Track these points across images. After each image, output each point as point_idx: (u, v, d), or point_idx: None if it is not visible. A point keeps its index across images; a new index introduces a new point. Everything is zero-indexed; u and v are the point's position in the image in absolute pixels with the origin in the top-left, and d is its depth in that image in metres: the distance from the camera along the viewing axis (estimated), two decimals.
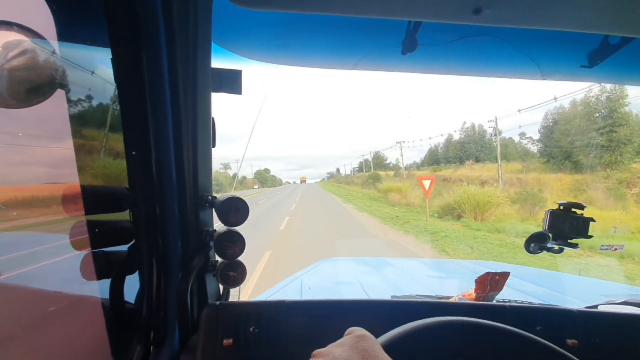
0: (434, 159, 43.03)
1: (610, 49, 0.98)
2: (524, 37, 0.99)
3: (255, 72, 1.03)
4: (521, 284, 1.51)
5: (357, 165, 62.79)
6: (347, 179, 55.86)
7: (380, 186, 23.55)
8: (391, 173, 39.27)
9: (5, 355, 0.68)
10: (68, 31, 0.69)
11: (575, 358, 0.52)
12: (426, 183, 10.76)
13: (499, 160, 20.01)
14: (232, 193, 0.82)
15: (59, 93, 0.67)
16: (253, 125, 1.10)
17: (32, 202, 0.80)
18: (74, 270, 0.75)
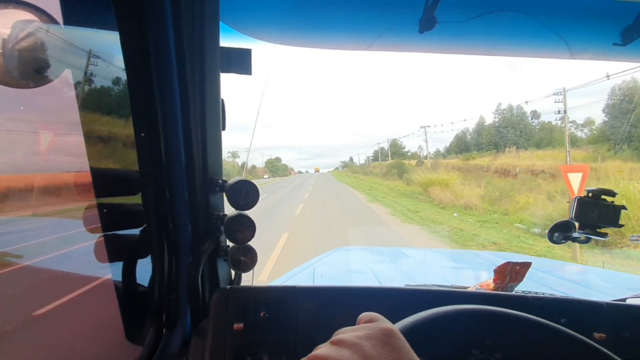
0: (462, 146, 38.97)
1: None
2: (551, 12, 0.91)
3: (265, 54, 1.00)
4: (542, 276, 1.45)
5: (372, 154, 60.44)
6: (363, 168, 52.14)
7: (416, 178, 18.39)
8: (412, 162, 36.19)
9: (25, 335, 0.70)
10: (75, 11, 0.68)
11: (606, 351, 0.49)
12: (575, 177, 5.00)
13: (567, 146, 15.33)
14: (240, 177, 0.80)
15: (67, 73, 0.66)
16: (258, 108, 1.08)
17: (46, 190, 0.81)
18: (89, 255, 0.76)
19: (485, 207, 11.16)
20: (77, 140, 0.65)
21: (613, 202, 0.85)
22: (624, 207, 0.85)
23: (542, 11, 0.91)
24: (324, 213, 11.35)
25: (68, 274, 0.84)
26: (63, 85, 0.64)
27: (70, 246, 0.83)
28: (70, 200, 0.81)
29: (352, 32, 1.00)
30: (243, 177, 0.95)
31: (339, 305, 0.77)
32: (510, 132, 32.92)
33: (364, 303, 0.77)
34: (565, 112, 17.48)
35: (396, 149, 48.56)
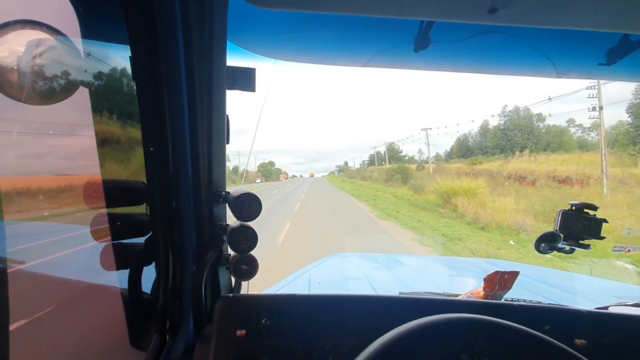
0: (463, 150, 36.67)
1: (630, 46, 0.95)
2: (539, 35, 0.97)
3: (265, 67, 1.04)
4: (530, 284, 1.50)
5: (368, 159, 58.58)
6: (360, 172, 49.33)
7: (432, 186, 15.25)
8: (412, 166, 33.91)
9: (29, 340, 0.72)
10: (88, 30, 0.71)
11: (583, 358, 0.53)
12: None
13: (602, 148, 13.67)
14: (244, 189, 0.84)
15: (81, 90, 0.69)
16: (258, 120, 1.12)
17: (57, 193, 0.83)
18: (94, 260, 0.78)
19: (541, 229, 7.24)
20: (90, 150, 0.68)
21: (595, 215, 0.90)
22: (605, 221, 0.90)
23: (530, 34, 0.96)
24: (321, 237, 7.70)
25: (72, 280, 0.87)
26: (78, 101, 0.67)
27: (76, 252, 0.85)
28: (80, 207, 0.84)
29: (350, 50, 1.05)
30: (242, 182, 0.98)
31: (336, 312, 0.81)
32: (518, 135, 31.14)
33: (360, 311, 0.81)
34: (601, 108, 15.35)
35: (393, 153, 46.87)
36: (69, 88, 0.68)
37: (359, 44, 1.01)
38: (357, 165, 64.72)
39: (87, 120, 0.68)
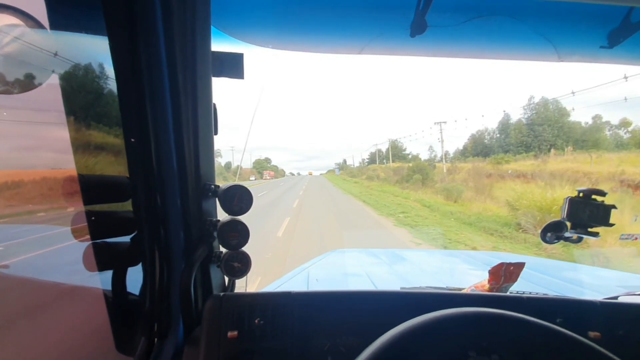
0: (479, 148, 32.47)
1: (632, 27, 0.92)
2: (539, 16, 0.93)
3: (257, 57, 1.00)
4: (535, 276, 1.46)
5: (368, 157, 55.48)
6: (363, 171, 43.47)
7: (513, 197, 9.98)
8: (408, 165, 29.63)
9: (8, 346, 0.68)
10: (63, 15, 0.67)
11: (602, 350, 0.49)
12: None
13: None
14: (234, 182, 0.79)
15: (54, 78, 0.65)
16: (253, 113, 1.07)
17: (34, 190, 0.78)
18: (77, 262, 0.74)
19: None
20: (64, 145, 0.63)
21: (603, 201, 0.86)
22: (614, 207, 0.86)
23: (530, 15, 0.92)
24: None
25: (52, 282, 0.82)
26: (49, 90, 0.62)
27: (57, 255, 0.81)
28: (57, 206, 0.79)
29: (344, 37, 1.00)
30: (236, 180, 0.94)
31: (334, 310, 0.77)
32: (547, 130, 26.71)
33: (360, 308, 0.77)
34: None
35: (396, 151, 42.66)
36: (39, 78, 0.63)
37: (353, 29, 0.97)
38: (357, 164, 62.79)
39: (59, 113, 0.63)
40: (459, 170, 22.73)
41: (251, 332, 0.73)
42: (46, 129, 0.68)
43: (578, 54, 1.11)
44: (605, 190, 0.85)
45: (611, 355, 0.51)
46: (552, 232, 0.93)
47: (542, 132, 26.85)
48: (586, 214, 0.85)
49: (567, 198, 0.87)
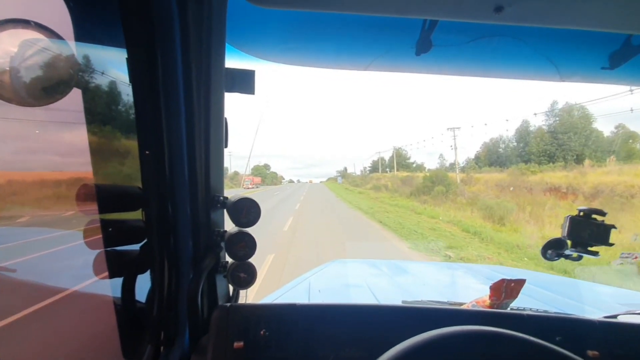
0: (493, 157, 29.60)
1: (633, 50, 0.94)
2: (542, 37, 0.96)
3: (265, 70, 1.02)
4: (536, 291, 1.47)
5: (370, 165, 51.82)
6: (366, 179, 40.43)
7: None
8: (421, 174, 26.70)
9: (19, 350, 0.69)
10: (84, 31, 0.70)
11: None
12: None
13: None
14: (242, 194, 0.81)
15: (75, 92, 0.67)
16: (258, 125, 1.10)
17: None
18: (87, 267, 0.76)
19: None
20: (79, 153, 0.66)
21: (603, 221, 0.88)
22: (613, 227, 0.88)
23: (533, 36, 0.95)
24: None
25: (64, 288, 0.84)
26: (70, 102, 0.65)
27: (72, 258, 0.82)
28: (73, 212, 0.81)
29: (351, 53, 1.03)
30: (242, 186, 0.95)
31: (337, 323, 0.78)
32: (573, 139, 23.58)
33: (362, 321, 0.78)
34: None
35: (400, 159, 40.45)
36: (61, 90, 0.66)
37: (360, 47, 1.00)
38: (358, 172, 61.37)
39: (80, 125, 0.66)
40: (474, 182, 20.18)
41: (256, 343, 0.74)
42: (69, 137, 0.71)
43: (579, 75, 1.13)
44: (605, 211, 0.87)
45: None
46: (553, 249, 0.95)
47: (567, 141, 23.74)
48: (587, 233, 0.87)
49: (567, 217, 0.89)
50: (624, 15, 0.75)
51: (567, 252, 0.92)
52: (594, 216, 0.87)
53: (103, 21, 0.73)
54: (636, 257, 1.16)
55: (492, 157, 30.02)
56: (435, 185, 18.43)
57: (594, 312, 1.13)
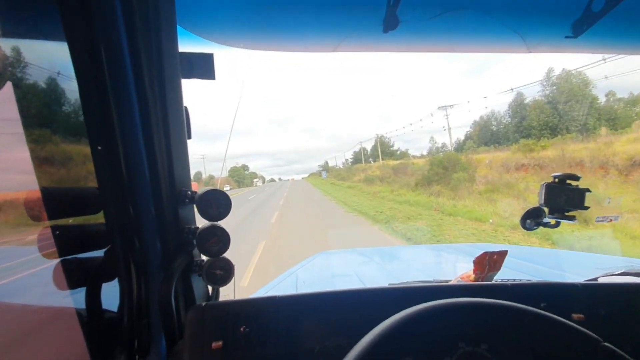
0: (487, 136, 26.90)
1: (593, 17, 0.95)
2: (507, 9, 0.96)
3: (230, 59, 0.97)
4: (518, 263, 1.50)
5: (352, 156, 51.54)
6: (353, 171, 36.98)
7: None
8: (418, 161, 25.07)
9: None
10: (18, 21, 0.63)
11: (586, 330, 0.49)
12: None
13: None
14: (210, 187, 0.76)
15: (9, 89, 0.61)
16: (233, 120, 1.05)
17: None
18: (48, 282, 0.69)
19: None
20: (23, 157, 0.59)
21: (577, 185, 0.89)
22: (588, 190, 0.89)
23: (498, 9, 0.94)
24: None
25: (19, 305, 0.77)
26: (4, 99, 0.58)
27: (24, 271, 0.76)
28: (23, 224, 0.74)
29: (317, 35, 1.00)
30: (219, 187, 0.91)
31: (322, 311, 0.75)
32: (575, 107, 20.94)
33: (348, 307, 0.76)
34: None
35: (383, 147, 38.95)
36: None
37: (326, 27, 0.96)
38: (340, 165, 60.56)
39: (15, 125, 0.59)
40: (476, 164, 16.80)
41: (236, 341, 0.70)
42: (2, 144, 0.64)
43: (545, 45, 1.14)
44: (579, 175, 0.88)
45: (595, 335, 0.52)
46: (532, 218, 0.95)
47: (569, 110, 21.23)
48: (562, 199, 0.87)
49: (543, 184, 0.89)
50: None
51: (545, 220, 0.93)
52: (568, 181, 0.88)
53: (37, 9, 0.66)
54: (611, 220, 1.19)
55: (485, 136, 27.50)
56: (449, 171, 14.94)
57: (575, 279, 1.15)
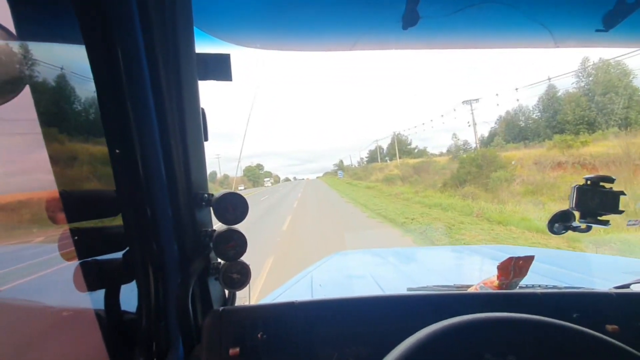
0: (515, 132, 24.86)
1: (627, 9, 0.89)
2: (534, 1, 0.91)
3: (245, 60, 0.96)
4: (542, 268, 1.44)
5: (367, 155, 49.26)
6: (369, 170, 35.22)
7: None
8: (440, 159, 23.85)
9: None
10: (36, 24, 0.63)
11: (621, 345, 0.46)
12: None
13: None
14: (228, 190, 0.75)
15: (28, 92, 0.61)
16: (247, 120, 1.04)
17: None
18: (68, 283, 0.70)
19: None
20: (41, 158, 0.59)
21: (612, 188, 0.83)
22: (622, 193, 0.83)
23: (524, 1, 0.90)
24: None
25: (41, 305, 0.78)
26: (23, 102, 0.58)
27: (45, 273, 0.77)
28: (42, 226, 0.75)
29: (334, 33, 0.97)
30: (233, 189, 0.90)
31: (340, 318, 0.73)
32: (615, 100, 18.91)
33: (367, 314, 0.73)
34: None
35: (400, 145, 36.93)
36: (13, 89, 0.59)
37: (344, 24, 0.94)
38: (355, 164, 59.57)
39: (35, 125, 0.59)
40: (500, 163, 14.90)
41: (254, 348, 0.69)
42: (21, 147, 0.64)
43: (574, 39, 1.09)
44: (613, 177, 0.82)
45: (631, 350, 0.48)
46: (560, 222, 0.90)
47: (608, 103, 19.18)
48: (595, 202, 0.82)
49: (574, 186, 0.84)
50: None
51: (575, 224, 0.88)
52: (601, 184, 0.83)
53: (55, 13, 0.66)
54: None
55: (513, 132, 25.25)
56: (484, 170, 13.38)
57: (603, 284, 1.10)
